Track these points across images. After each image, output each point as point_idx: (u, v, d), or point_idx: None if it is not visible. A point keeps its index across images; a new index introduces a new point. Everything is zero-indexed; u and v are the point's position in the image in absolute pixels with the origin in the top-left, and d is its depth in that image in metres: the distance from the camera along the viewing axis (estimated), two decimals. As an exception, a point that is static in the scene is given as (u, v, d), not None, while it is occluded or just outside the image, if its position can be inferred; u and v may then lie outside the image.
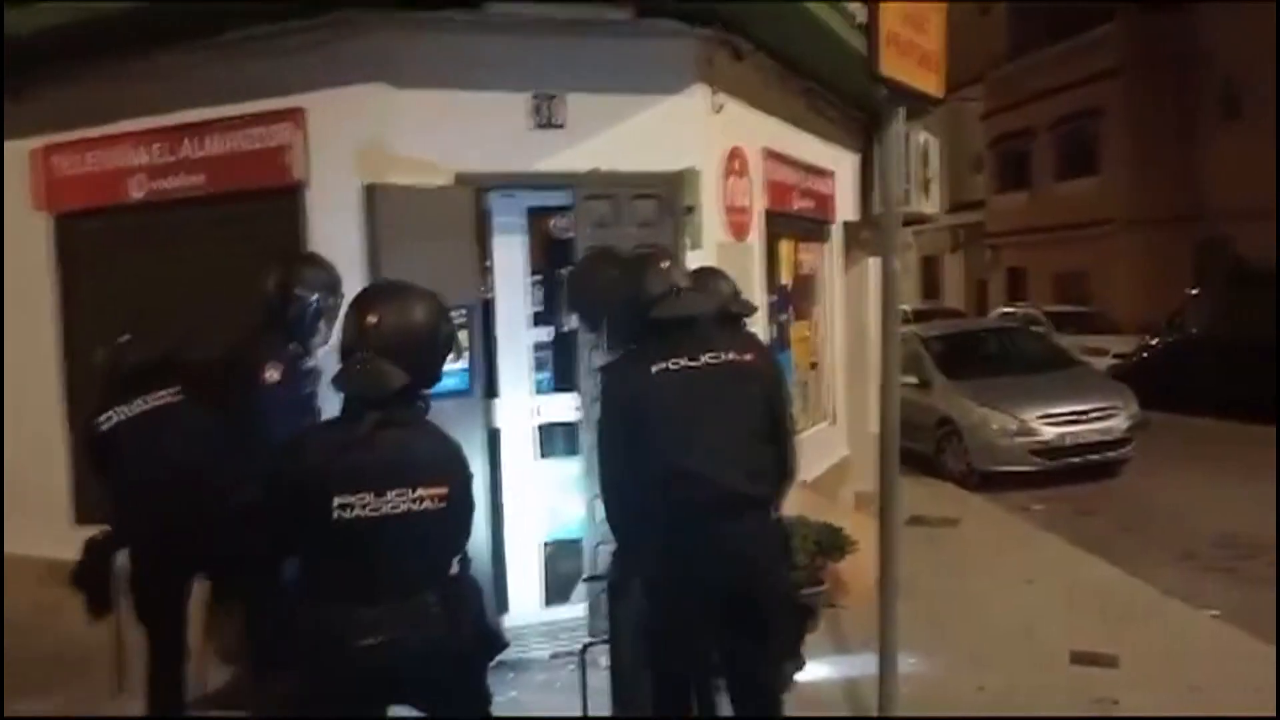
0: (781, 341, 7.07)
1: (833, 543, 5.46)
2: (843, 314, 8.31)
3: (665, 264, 3.32)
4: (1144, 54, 22.47)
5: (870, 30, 3.17)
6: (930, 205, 9.67)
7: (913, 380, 10.54)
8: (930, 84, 3.54)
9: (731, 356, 3.12)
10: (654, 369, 3.06)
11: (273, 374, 3.69)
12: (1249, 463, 10.15)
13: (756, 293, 5.86)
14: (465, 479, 2.58)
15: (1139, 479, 9.83)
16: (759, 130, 6.18)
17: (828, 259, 8.13)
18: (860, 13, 5.90)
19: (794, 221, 7.13)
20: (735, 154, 5.75)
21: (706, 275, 3.89)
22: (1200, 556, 7.14)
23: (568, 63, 5.04)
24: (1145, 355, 15.16)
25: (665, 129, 5.22)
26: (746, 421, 3.10)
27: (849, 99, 7.76)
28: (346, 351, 2.52)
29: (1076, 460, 9.78)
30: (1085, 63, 23.91)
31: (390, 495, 2.41)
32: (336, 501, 2.38)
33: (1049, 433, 9.77)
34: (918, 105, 4.06)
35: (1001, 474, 9.77)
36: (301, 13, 4.77)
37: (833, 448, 8.04)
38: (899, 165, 3.54)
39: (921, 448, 10.40)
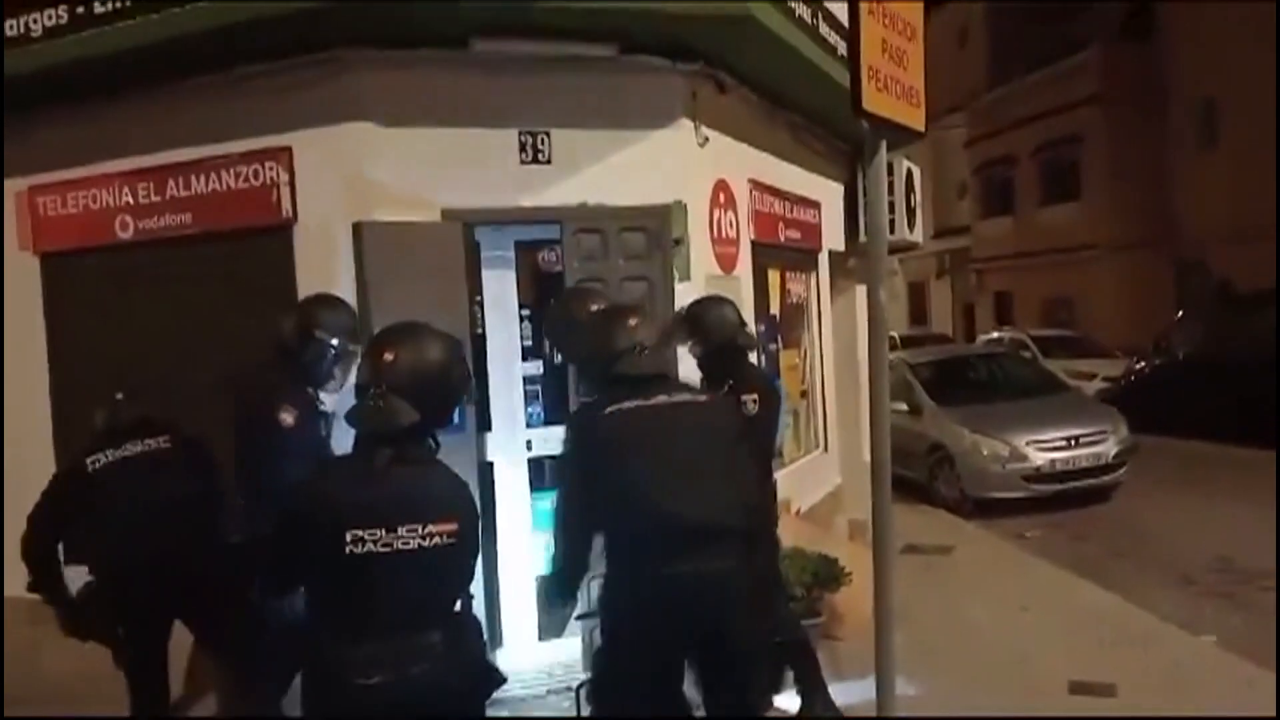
0: (772, 370, 7.07)
1: (829, 574, 5.44)
2: (831, 342, 8.33)
3: (633, 321, 3.33)
4: (1121, 82, 22.82)
5: (852, 67, 3.20)
6: (915, 233, 9.72)
7: (903, 407, 10.56)
8: (912, 117, 3.57)
9: (685, 398, 3.26)
10: (609, 410, 3.13)
11: (287, 418, 3.69)
12: (1240, 486, 10.19)
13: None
14: (474, 517, 2.62)
15: (1131, 503, 9.83)
16: (745, 162, 6.22)
17: (815, 288, 8.16)
18: (842, 45, 5.99)
19: (781, 252, 7.15)
20: (722, 186, 5.78)
21: (714, 304, 4.37)
22: (1197, 581, 7.13)
23: (554, 99, 5.07)
24: (1133, 379, 15.22)
25: (652, 163, 5.25)
26: (708, 456, 3.15)
27: (833, 130, 7.83)
28: (362, 388, 2.58)
29: (1068, 485, 9.78)
30: (1064, 91, 24.24)
31: (402, 531, 2.45)
32: (350, 535, 2.42)
33: (1041, 458, 9.77)
34: (901, 138, 4.10)
35: (994, 500, 9.77)
36: (287, 52, 4.80)
37: (825, 476, 8.03)
38: (884, 196, 3.55)
39: (914, 475, 10.40)
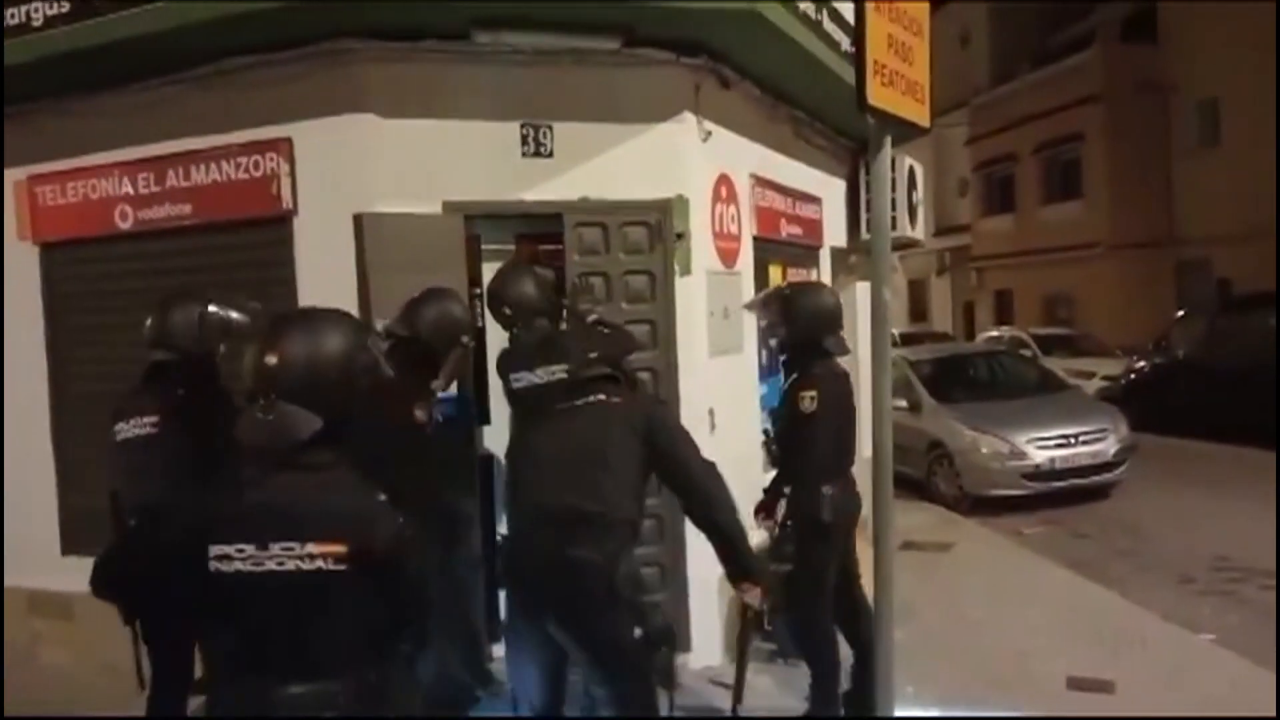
0: (772, 367, 7.05)
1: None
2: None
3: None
4: (1123, 81, 22.77)
5: (857, 61, 3.18)
6: (917, 230, 9.69)
7: (902, 404, 10.55)
8: (917, 113, 3.55)
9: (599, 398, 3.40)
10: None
11: (421, 415, 3.92)
12: (1240, 485, 10.19)
13: (747, 319, 5.85)
14: (377, 543, 2.11)
15: (1130, 502, 9.84)
16: (747, 157, 6.20)
17: (816, 285, 8.13)
18: (845, 40, 5.97)
19: (783, 247, 7.13)
20: (724, 181, 5.76)
21: (811, 296, 4.49)
22: (1196, 579, 7.13)
23: (556, 92, 5.05)
24: (1133, 378, 15.22)
25: (654, 157, 5.23)
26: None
27: (836, 126, 7.80)
28: (248, 397, 2.17)
29: (1068, 484, 9.77)
30: (1066, 89, 24.20)
31: (275, 549, 2.05)
32: (213, 551, 2.06)
33: (1040, 456, 9.77)
34: (905, 133, 4.08)
35: (993, 498, 9.76)
36: (289, 44, 4.78)
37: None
38: (887, 192, 3.54)
39: (912, 472, 10.39)
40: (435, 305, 4.26)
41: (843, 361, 4.53)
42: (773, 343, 4.58)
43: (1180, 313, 16.28)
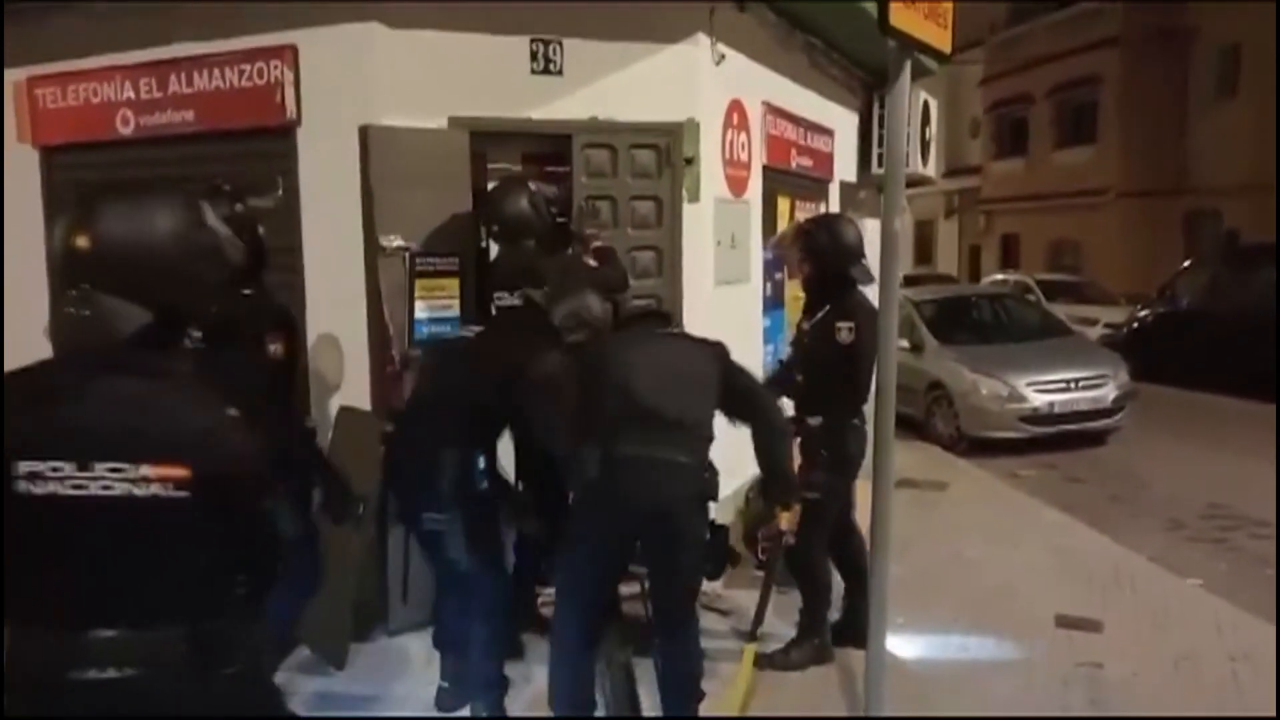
0: (776, 299, 7.02)
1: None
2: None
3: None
4: (1143, 25, 22.30)
5: (881, -20, 3.09)
6: (928, 167, 9.58)
7: (904, 344, 10.52)
8: (939, 38, 3.47)
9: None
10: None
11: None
12: (1236, 436, 10.23)
13: (754, 249, 5.80)
14: (226, 465, 1.77)
15: (1127, 448, 9.87)
16: (760, 84, 6.09)
17: (824, 218, 8.05)
18: (868, -35, 5.81)
19: (792, 179, 7.05)
20: (735, 107, 5.67)
21: (835, 227, 4.39)
22: (1187, 526, 7.17)
23: (568, 8, 4.94)
24: (1136, 326, 15.17)
25: (665, 79, 5.13)
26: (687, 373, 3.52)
27: (852, 57, 7.65)
28: (60, 287, 1.82)
29: (1065, 428, 9.80)
30: (1085, 31, 23.72)
31: (99, 470, 1.69)
32: (21, 469, 1.69)
33: (1039, 400, 9.77)
34: (925, 61, 3.99)
35: (990, 439, 9.79)
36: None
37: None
38: (904, 119, 3.46)
39: (911, 411, 10.39)
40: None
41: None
42: (797, 277, 4.50)
43: (1186, 262, 16.18)
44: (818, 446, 4.24)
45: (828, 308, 4.29)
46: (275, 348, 3.87)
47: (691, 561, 3.43)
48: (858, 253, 4.36)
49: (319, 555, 3.59)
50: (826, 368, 4.23)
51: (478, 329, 3.83)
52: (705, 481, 3.37)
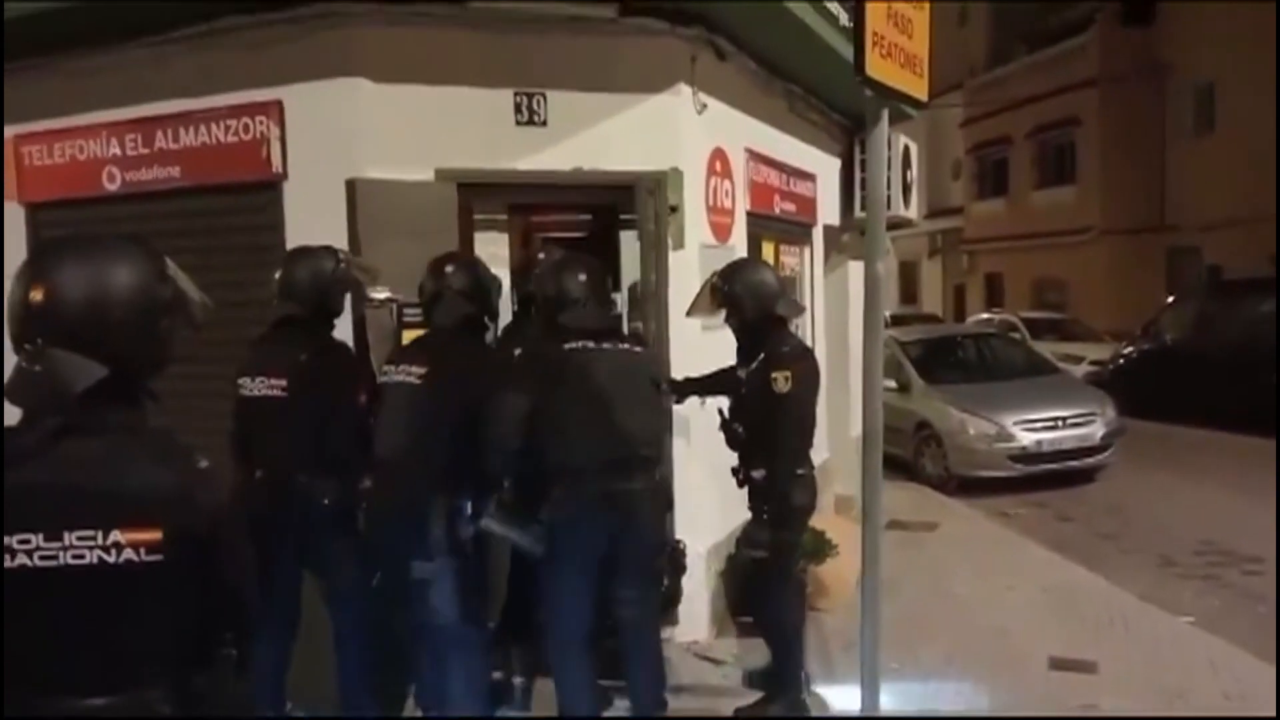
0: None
1: (815, 547, 5.45)
2: (823, 317, 8.30)
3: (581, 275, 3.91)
4: (1120, 65, 22.70)
5: (856, 31, 3.15)
6: (910, 210, 9.66)
7: (891, 385, 10.56)
8: (915, 86, 3.52)
9: (625, 346, 3.95)
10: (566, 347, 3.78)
11: None
12: (1223, 471, 10.27)
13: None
14: (200, 523, 1.73)
15: (1116, 485, 9.89)
16: (742, 131, 6.15)
17: (809, 262, 8.12)
18: (843, 15, 5.91)
19: (776, 223, 7.10)
20: (718, 155, 5.72)
21: (749, 269, 4.50)
22: (1178, 563, 7.17)
23: (551, 60, 4.99)
24: (1121, 363, 15.27)
25: (648, 128, 5.18)
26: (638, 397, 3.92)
27: (831, 103, 7.76)
28: (16, 344, 1.75)
29: (1054, 466, 9.81)
30: (1062, 72, 24.13)
31: (69, 538, 1.63)
32: None
33: (1027, 438, 9.81)
34: (902, 108, 4.05)
35: (980, 479, 9.80)
36: (280, 4, 4.70)
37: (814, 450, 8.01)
38: (883, 165, 3.51)
39: (900, 452, 10.42)
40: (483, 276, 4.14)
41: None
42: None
43: (1170, 299, 16.32)
44: (761, 502, 4.18)
45: (762, 356, 4.19)
46: (364, 399, 3.92)
47: (658, 568, 3.96)
48: (775, 291, 4.33)
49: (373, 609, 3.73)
50: (766, 418, 4.15)
51: (420, 370, 3.80)
52: (668, 493, 3.92)
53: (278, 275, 3.92)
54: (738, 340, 4.43)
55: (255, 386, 3.80)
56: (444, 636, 3.69)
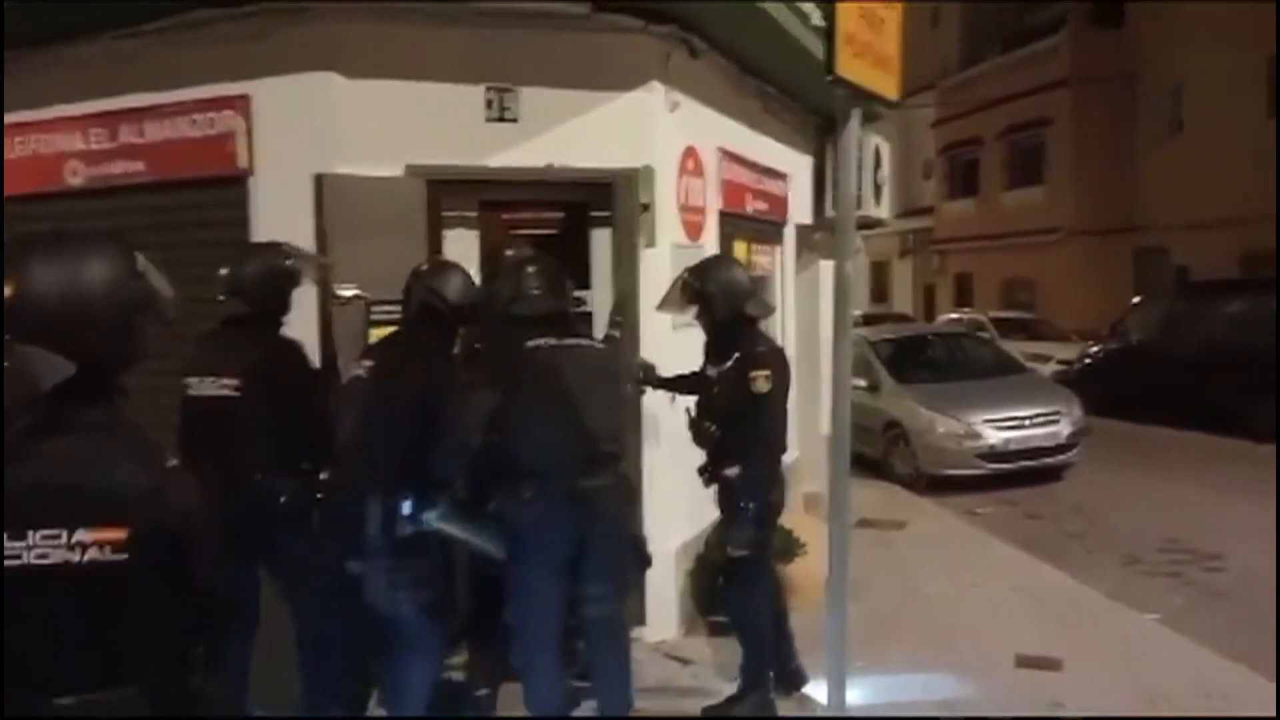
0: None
1: (784, 545, 5.45)
2: (794, 316, 8.32)
3: (531, 268, 3.93)
4: (1090, 67, 22.94)
5: (828, 31, 3.15)
6: (882, 209, 9.70)
7: (861, 384, 10.63)
8: (887, 85, 3.54)
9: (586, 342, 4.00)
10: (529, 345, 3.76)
11: None
12: (1187, 469, 10.41)
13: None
14: (168, 522, 1.72)
15: (1082, 483, 9.99)
16: (714, 130, 6.15)
17: (780, 261, 8.13)
18: (816, 14, 5.92)
19: (748, 223, 7.11)
20: (690, 153, 5.72)
21: (720, 267, 4.50)
22: (1144, 561, 7.26)
23: (523, 56, 4.96)
24: (1088, 362, 15.43)
25: (621, 126, 5.16)
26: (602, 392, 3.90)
27: (804, 102, 7.77)
28: None
29: (1022, 464, 9.90)
30: (1033, 74, 24.35)
31: (34, 538, 1.63)
32: None
33: (995, 437, 9.89)
34: (873, 107, 4.06)
35: (948, 477, 9.87)
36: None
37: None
38: (853, 164, 3.52)
39: (869, 451, 10.48)
40: (461, 279, 4.03)
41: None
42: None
43: (1137, 299, 16.51)
44: (739, 499, 4.16)
45: (738, 355, 4.19)
46: (319, 397, 3.90)
47: (625, 561, 3.95)
48: (747, 290, 4.33)
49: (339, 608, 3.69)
50: (741, 416, 4.15)
51: (368, 364, 3.79)
52: (631, 488, 3.97)
53: (224, 272, 3.86)
54: (708, 337, 4.42)
55: (204, 386, 3.76)
56: (391, 633, 3.67)
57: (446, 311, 3.86)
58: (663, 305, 4.63)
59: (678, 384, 4.64)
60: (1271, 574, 6.56)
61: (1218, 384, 12.32)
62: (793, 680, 4.56)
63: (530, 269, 3.90)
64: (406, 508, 3.55)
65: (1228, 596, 6.32)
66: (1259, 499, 8.82)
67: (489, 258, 4.92)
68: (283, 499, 3.70)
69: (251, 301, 3.84)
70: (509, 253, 4.35)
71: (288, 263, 3.95)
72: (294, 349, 3.95)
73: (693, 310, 4.41)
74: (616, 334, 4.54)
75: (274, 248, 4.02)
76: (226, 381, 3.73)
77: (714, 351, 4.36)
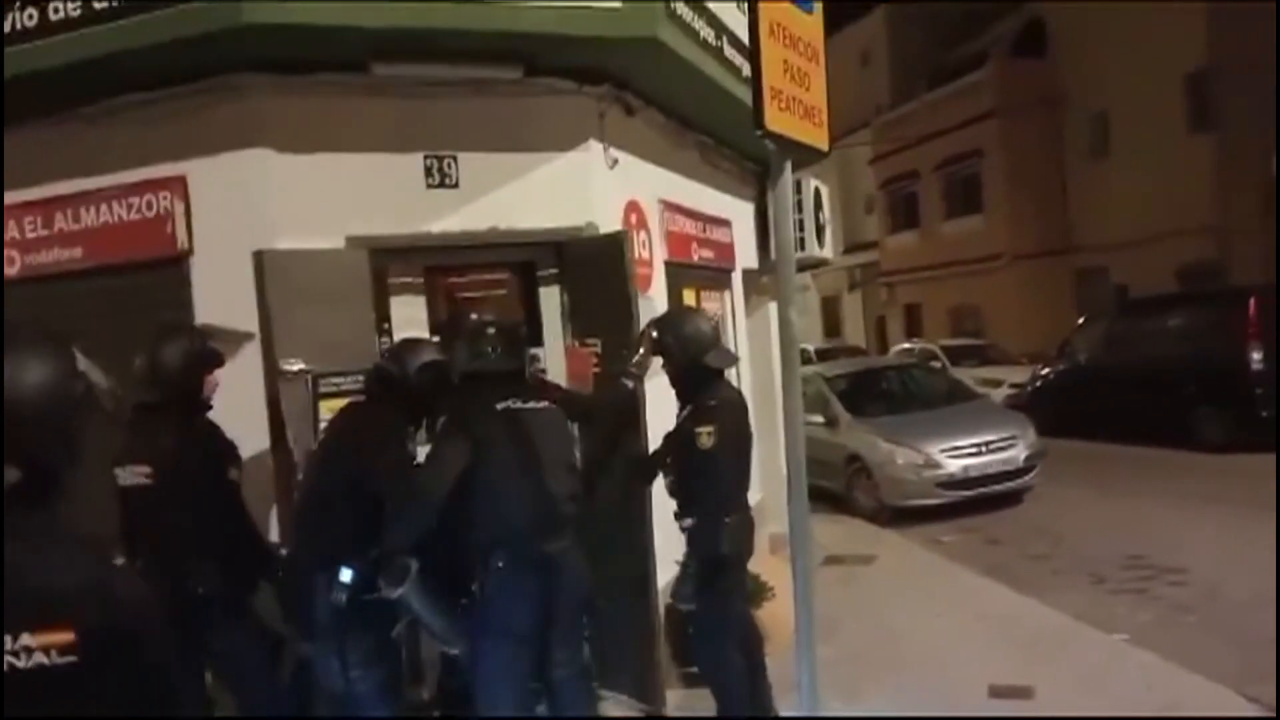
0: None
1: (751, 590, 5.43)
2: (748, 359, 8.38)
3: (490, 330, 3.94)
4: (1017, 96, 23.62)
5: (754, 87, 3.22)
6: (825, 250, 9.83)
7: (819, 419, 10.70)
8: (815, 137, 3.60)
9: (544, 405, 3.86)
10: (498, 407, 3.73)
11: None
12: (1144, 484, 10.56)
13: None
14: (117, 621, 1.65)
15: (1042, 506, 10.09)
16: (655, 183, 6.23)
17: (730, 306, 8.20)
18: (747, 67, 6.04)
19: (695, 271, 7.17)
20: (633, 207, 5.77)
21: (681, 319, 4.49)
22: (1108, 579, 7.32)
23: (459, 123, 5.00)
24: (1038, 384, 15.66)
25: (561, 186, 5.21)
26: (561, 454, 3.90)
27: (742, 150, 7.90)
28: None
29: (981, 491, 9.99)
30: (963, 106, 24.99)
31: None
32: None
33: (954, 465, 9.97)
34: (804, 156, 4.14)
35: (911, 508, 9.92)
36: (180, 79, 4.65)
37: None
38: (789, 213, 3.58)
39: (832, 485, 10.53)
40: (428, 352, 4.03)
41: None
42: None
43: (1080, 319, 16.84)
44: (690, 552, 4.20)
45: (689, 409, 4.24)
46: (235, 472, 3.86)
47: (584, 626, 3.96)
48: (708, 341, 4.34)
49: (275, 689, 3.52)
50: (691, 470, 4.17)
51: (323, 439, 3.78)
52: (584, 549, 3.88)
53: (136, 362, 3.81)
54: (673, 388, 4.44)
55: (125, 475, 3.71)
56: (346, 712, 3.60)
57: (401, 379, 3.84)
58: (633, 361, 4.62)
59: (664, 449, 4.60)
60: (1233, 584, 6.70)
61: (1163, 398, 12.57)
62: None
63: (490, 331, 3.91)
64: (346, 575, 3.49)
65: (1193, 610, 6.38)
66: (1212, 509, 9.00)
67: (444, 323, 4.89)
68: (200, 590, 3.61)
69: (164, 389, 3.78)
70: (473, 316, 4.33)
71: (195, 347, 3.90)
72: (206, 433, 3.89)
73: (658, 361, 4.42)
74: (630, 383, 4.44)
75: (187, 331, 3.98)
76: (140, 470, 3.69)
77: (679, 402, 4.39)
